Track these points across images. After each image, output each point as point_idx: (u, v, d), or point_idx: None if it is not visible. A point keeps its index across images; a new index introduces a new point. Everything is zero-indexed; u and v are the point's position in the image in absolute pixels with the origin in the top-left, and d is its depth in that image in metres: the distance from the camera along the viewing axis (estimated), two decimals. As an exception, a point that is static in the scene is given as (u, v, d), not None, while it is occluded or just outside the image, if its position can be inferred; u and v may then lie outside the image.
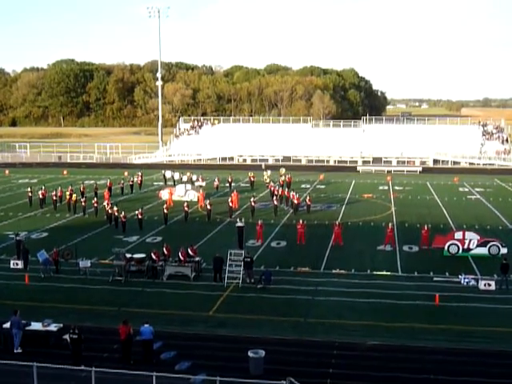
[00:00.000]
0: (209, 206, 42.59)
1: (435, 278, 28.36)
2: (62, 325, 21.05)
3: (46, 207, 47.30)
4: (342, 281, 28.25)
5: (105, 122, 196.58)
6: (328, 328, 22.46)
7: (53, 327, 20.90)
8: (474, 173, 73.11)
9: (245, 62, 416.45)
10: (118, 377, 15.77)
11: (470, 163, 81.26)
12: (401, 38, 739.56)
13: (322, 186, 60.87)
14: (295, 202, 44.85)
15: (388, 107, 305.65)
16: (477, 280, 27.59)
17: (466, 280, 27.76)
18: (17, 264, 30.29)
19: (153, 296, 26.22)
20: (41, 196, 47.90)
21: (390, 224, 36.71)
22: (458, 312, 24.16)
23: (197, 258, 29.39)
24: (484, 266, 30.31)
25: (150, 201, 50.73)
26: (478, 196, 54.42)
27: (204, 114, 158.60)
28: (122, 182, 56.85)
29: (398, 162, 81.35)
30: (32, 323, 21.14)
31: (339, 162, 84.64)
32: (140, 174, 60.13)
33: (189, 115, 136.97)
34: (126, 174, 66.38)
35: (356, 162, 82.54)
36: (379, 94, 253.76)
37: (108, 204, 42.74)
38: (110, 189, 51.70)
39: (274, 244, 35.55)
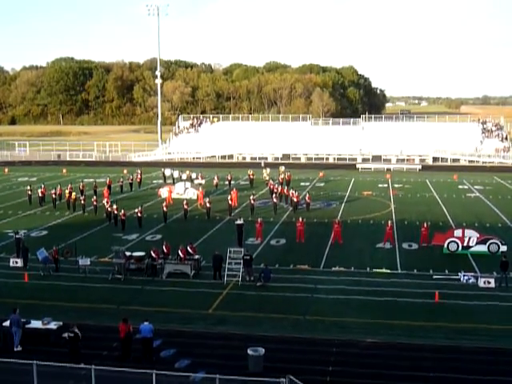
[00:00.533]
0: (208, 204, 42.58)
1: (435, 276, 28.38)
2: (61, 323, 21.07)
3: (46, 205, 47.30)
4: (341, 278, 28.26)
5: (104, 120, 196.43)
6: (327, 326, 22.48)
7: (52, 325, 20.92)
8: (473, 170, 73.12)
9: (244, 60, 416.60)
10: (118, 375, 15.78)
11: (470, 161, 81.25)
12: (400, 35, 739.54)
13: (322, 184, 60.87)
14: (295, 199, 44.84)
15: (387, 105, 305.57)
16: (476, 277, 27.60)
17: (466, 277, 27.77)
18: (16, 262, 30.29)
19: (152, 294, 26.22)
20: (40, 194, 47.90)
21: (389, 222, 36.71)
22: (458, 309, 24.18)
23: (196, 256, 29.41)
24: (483, 263, 30.32)
25: (149, 199, 50.73)
26: (478, 194, 54.43)
27: (203, 112, 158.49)
28: (122, 180, 56.84)
29: (398, 160, 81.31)
30: (32, 321, 21.16)
31: (338, 159, 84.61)
32: (139, 172, 60.12)
33: (188, 113, 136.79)
34: (125, 172, 66.26)
35: (355, 159, 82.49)
36: (378, 91, 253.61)
37: (107, 202, 42.74)
38: (109, 187, 51.69)
39: (273, 242, 35.55)
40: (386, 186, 59.56)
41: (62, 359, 17.56)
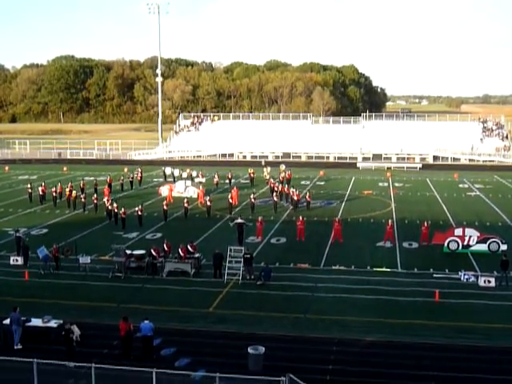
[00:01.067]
0: (209, 203, 42.59)
1: (435, 275, 28.38)
2: (61, 321, 21.07)
3: (46, 203, 47.30)
4: (341, 277, 28.26)
5: (105, 118, 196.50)
6: (327, 324, 22.49)
7: (53, 323, 20.94)
8: (473, 169, 73.08)
9: (244, 59, 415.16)
10: (118, 373, 15.79)
11: (470, 160, 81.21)
12: (401, 34, 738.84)
13: (322, 183, 60.86)
14: (295, 198, 44.84)
15: (388, 103, 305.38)
16: (476, 276, 27.61)
17: (466, 276, 27.77)
18: (17, 260, 30.30)
19: (153, 292, 26.23)
20: (40, 192, 47.90)
21: (389, 220, 36.69)
22: (458, 308, 24.19)
23: (196, 255, 29.41)
24: (484, 262, 30.32)
25: (149, 197, 50.74)
26: (478, 192, 54.41)
27: (204, 111, 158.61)
28: (122, 178, 56.84)
29: (398, 159, 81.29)
30: (32, 319, 21.18)
31: (339, 158, 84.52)
32: (140, 170, 60.13)
33: (188, 111, 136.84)
34: (125, 170, 66.25)
35: (356, 158, 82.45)
36: (379, 90, 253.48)
37: (108, 200, 42.73)
38: (109, 185, 51.67)
39: (273, 240, 35.55)
40: (386, 184, 59.55)
41: (63, 357, 17.59)
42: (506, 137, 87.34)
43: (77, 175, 64.74)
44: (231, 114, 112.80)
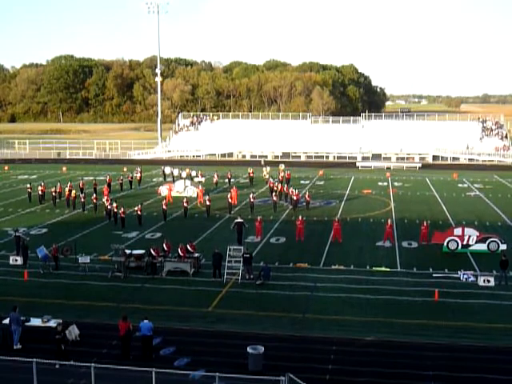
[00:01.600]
0: (208, 202, 42.59)
1: (434, 274, 28.38)
2: (61, 320, 21.06)
3: (46, 203, 47.28)
4: (341, 277, 28.26)
5: (104, 117, 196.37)
6: (327, 324, 22.48)
7: (52, 323, 20.91)
8: (473, 169, 73.11)
9: (244, 58, 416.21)
10: (117, 373, 15.79)
11: (470, 159, 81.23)
12: (400, 33, 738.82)
13: (321, 182, 60.87)
14: (294, 198, 44.82)
15: (387, 103, 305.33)
16: (476, 276, 27.61)
17: (465, 276, 27.78)
18: (16, 260, 30.28)
19: (152, 292, 26.23)
20: (40, 192, 47.90)
21: (389, 220, 36.65)
22: (457, 308, 24.19)
23: (196, 254, 29.41)
24: (483, 262, 30.34)
25: (149, 197, 50.72)
26: (477, 192, 54.42)
27: (203, 110, 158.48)
28: (121, 178, 56.83)
29: (398, 158, 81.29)
30: (31, 319, 21.17)
31: (338, 157, 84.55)
32: (139, 170, 60.07)
33: (188, 111, 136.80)
34: (125, 169, 66.32)
35: (355, 158, 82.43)
36: (378, 89, 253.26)
37: (107, 200, 42.69)
38: (109, 185, 51.67)
39: (273, 240, 35.54)
40: (385, 184, 59.56)
41: (63, 357, 17.57)
42: (506, 136, 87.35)
43: (76, 175, 64.71)
44: (230, 114, 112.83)
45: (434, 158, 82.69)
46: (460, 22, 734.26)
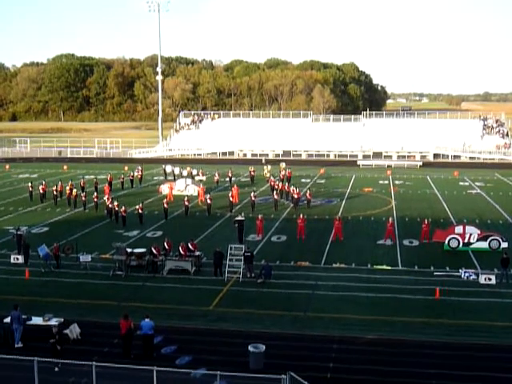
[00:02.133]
0: (209, 201, 42.59)
1: (435, 273, 28.37)
2: (62, 319, 21.09)
3: (47, 202, 47.29)
4: (342, 275, 28.25)
5: (105, 116, 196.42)
6: (328, 322, 22.49)
7: (53, 322, 20.92)
8: (474, 167, 73.05)
9: (245, 57, 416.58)
10: (119, 371, 15.79)
11: (471, 157, 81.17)
12: (401, 32, 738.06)
13: (322, 181, 60.84)
14: (295, 196, 44.82)
15: (388, 101, 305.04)
16: (477, 274, 27.59)
17: (467, 274, 27.76)
18: (17, 259, 30.30)
19: (153, 290, 26.23)
20: (41, 191, 47.91)
21: (390, 218, 36.67)
22: (458, 306, 24.18)
23: (197, 253, 29.40)
24: (484, 260, 30.33)
25: (150, 195, 50.73)
26: (479, 190, 54.39)
27: (204, 109, 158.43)
28: (123, 176, 56.83)
29: (399, 157, 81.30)
30: (33, 318, 21.18)
31: (339, 156, 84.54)
32: (140, 168, 60.13)
33: (189, 110, 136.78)
34: (126, 168, 66.35)
35: (356, 156, 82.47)
36: (379, 88, 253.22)
37: (108, 199, 42.73)
38: (110, 183, 51.70)
39: (274, 238, 35.54)
40: (386, 182, 59.54)
41: (64, 356, 17.58)
42: (507, 134, 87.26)
43: (77, 174, 64.76)
44: (231, 112, 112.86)
45: (435, 156, 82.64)
46: (461, 20, 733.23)
